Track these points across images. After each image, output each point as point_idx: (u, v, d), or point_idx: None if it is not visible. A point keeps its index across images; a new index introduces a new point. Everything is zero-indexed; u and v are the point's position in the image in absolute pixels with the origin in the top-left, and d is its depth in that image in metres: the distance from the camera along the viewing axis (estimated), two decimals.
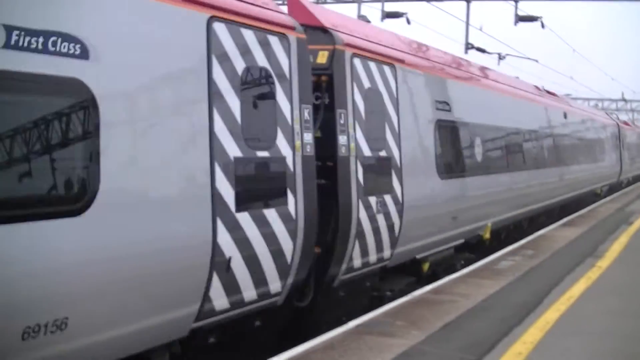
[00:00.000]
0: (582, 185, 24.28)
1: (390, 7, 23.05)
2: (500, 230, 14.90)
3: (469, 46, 24.65)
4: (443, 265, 11.75)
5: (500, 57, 26.03)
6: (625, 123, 44.62)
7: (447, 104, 11.89)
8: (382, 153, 9.41)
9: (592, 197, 26.95)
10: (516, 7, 23.14)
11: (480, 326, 7.87)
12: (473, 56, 24.57)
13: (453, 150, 12.42)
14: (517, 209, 15.81)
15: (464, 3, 23.03)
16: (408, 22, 22.88)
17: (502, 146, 15.17)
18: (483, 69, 15.92)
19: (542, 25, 24.42)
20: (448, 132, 12.02)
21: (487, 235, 13.58)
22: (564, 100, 24.76)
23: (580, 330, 7.87)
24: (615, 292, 9.92)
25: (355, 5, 22.98)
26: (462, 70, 13.68)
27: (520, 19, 23.78)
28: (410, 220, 9.86)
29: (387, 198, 9.35)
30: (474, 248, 13.34)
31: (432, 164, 11.09)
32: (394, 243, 9.60)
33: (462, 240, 12.51)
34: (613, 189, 33.06)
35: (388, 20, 22.66)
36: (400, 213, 9.63)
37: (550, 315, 8.41)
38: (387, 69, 9.71)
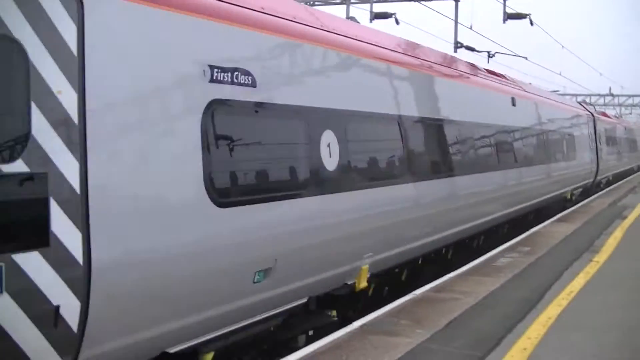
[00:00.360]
0: (540, 192, 18.78)
1: (379, 7, 23.13)
2: (395, 269, 10.20)
3: (458, 45, 24.78)
4: (256, 350, 7.61)
5: (490, 55, 26.13)
6: (604, 114, 38.59)
7: (248, 75, 6.74)
8: None
9: (558, 205, 22.07)
10: (504, 5, 23.28)
11: (484, 323, 7.92)
12: (463, 55, 24.64)
13: (261, 154, 7.02)
14: (423, 237, 10.67)
15: (453, 2, 23.10)
16: (397, 22, 22.95)
17: (391, 144, 9.73)
18: (361, 28, 10.53)
19: (531, 23, 24.57)
20: (248, 122, 6.85)
21: (363, 284, 8.81)
22: (516, 83, 18.88)
23: (582, 324, 7.93)
24: (615, 286, 10.00)
25: (344, 6, 23.03)
26: (295, 20, 8.06)
27: (509, 16, 23.93)
28: (117, 295, 5.29)
29: (28, 260, 4.80)
30: (352, 300, 9.10)
31: (192, 182, 6.00)
32: (68, 344, 5.04)
33: (302, 301, 7.78)
34: (588, 191, 27.84)
35: (377, 21, 22.74)
36: (82, 284, 4.99)
37: (552, 310, 8.47)
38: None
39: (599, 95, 62.52)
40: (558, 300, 8.98)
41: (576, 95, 56.64)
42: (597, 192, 28.45)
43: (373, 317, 8.15)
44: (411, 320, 8.00)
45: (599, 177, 29.95)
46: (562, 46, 36.23)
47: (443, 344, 7.11)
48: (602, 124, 32.44)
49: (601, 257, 12.22)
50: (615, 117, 49.47)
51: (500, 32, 27.32)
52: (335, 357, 6.65)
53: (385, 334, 7.43)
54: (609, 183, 33.99)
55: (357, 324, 7.80)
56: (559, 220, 18.39)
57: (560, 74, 41.06)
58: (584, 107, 31.55)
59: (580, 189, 25.96)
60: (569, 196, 23.86)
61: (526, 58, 28.07)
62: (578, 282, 10.10)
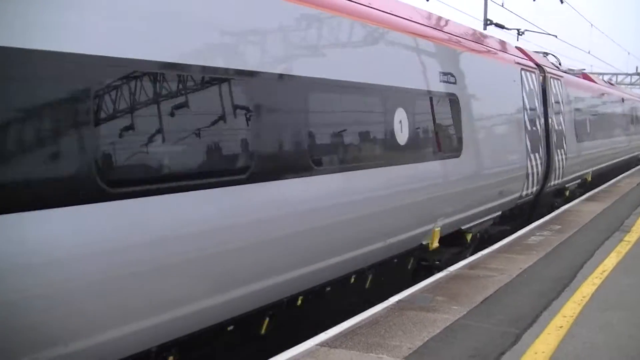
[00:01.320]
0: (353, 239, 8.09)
1: None
2: None
3: (487, 22, 24.61)
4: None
5: (519, 33, 25.89)
6: (586, 77, 24.83)
7: None
8: None
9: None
10: None
11: (519, 300, 7.97)
12: (492, 32, 24.41)
13: None
14: None
15: None
16: None
17: None
18: None
19: (561, 1, 24.36)
20: None
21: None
22: None
23: (617, 303, 7.95)
24: None
25: None
26: None
27: None
28: None
29: None
30: None
31: None
32: None
33: None
34: (530, 210, 15.68)
35: None
36: None
37: (586, 289, 8.50)
38: None
39: (626, 74, 61.77)
40: (591, 279, 9.00)
41: (603, 74, 55.96)
42: (548, 212, 15.79)
43: (408, 292, 8.23)
44: (446, 296, 8.08)
45: (555, 182, 16.50)
46: (592, 24, 35.82)
47: (480, 320, 7.18)
48: (559, 86, 17.37)
49: (632, 237, 12.19)
50: (610, 83, 34.26)
51: (530, 11, 27.11)
52: (374, 332, 6.75)
53: (421, 309, 7.51)
54: (585, 187, 20.88)
55: (393, 299, 7.89)
56: (588, 199, 18.32)
57: (589, 53, 40.51)
58: (522, 53, 15.89)
59: (495, 215, 12.89)
60: (431, 244, 10.08)
61: (556, 36, 27.79)
62: (610, 261, 10.10)
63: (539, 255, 10.50)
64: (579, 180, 20.01)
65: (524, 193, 14.04)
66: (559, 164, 16.50)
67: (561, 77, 17.89)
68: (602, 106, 24.66)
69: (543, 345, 6.40)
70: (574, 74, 22.15)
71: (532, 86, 14.83)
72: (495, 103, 12.66)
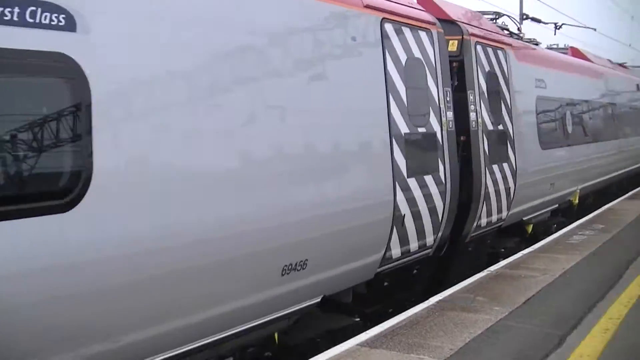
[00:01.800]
0: None
1: None
2: None
3: (524, 17, 24.26)
4: None
5: (557, 27, 25.44)
6: (578, 55, 18.83)
7: None
8: None
9: None
10: None
11: (563, 301, 7.80)
12: (529, 27, 24.03)
13: None
14: None
15: None
16: None
17: None
18: None
19: None
20: None
21: None
22: None
23: None
24: None
25: None
26: None
27: None
28: None
29: None
30: None
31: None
32: None
33: None
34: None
35: None
36: None
37: (634, 290, 8.28)
38: None
39: None
40: (638, 280, 8.77)
41: None
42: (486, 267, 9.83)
43: (449, 293, 8.12)
44: (487, 297, 7.93)
45: (490, 220, 10.41)
46: (632, 17, 35.14)
47: (522, 321, 7.03)
48: (516, 67, 11.73)
49: None
50: (623, 66, 23.93)
51: (568, 5, 26.63)
52: (415, 332, 6.64)
53: (462, 310, 7.39)
54: (569, 214, 14.66)
55: (433, 299, 7.78)
56: (631, 197, 17.93)
57: (629, 46, 39.71)
58: (426, 4, 9.60)
59: (269, 318, 6.39)
60: None
61: (595, 29, 27.27)
62: None
63: (582, 255, 10.28)
64: (555, 206, 13.72)
65: (396, 252, 7.85)
66: (495, 189, 10.42)
67: (506, 45, 11.57)
68: (600, 95, 17.78)
69: (589, 349, 6.24)
70: (558, 50, 17.01)
71: (418, 54, 8.44)
72: (259, 82, 6.03)
